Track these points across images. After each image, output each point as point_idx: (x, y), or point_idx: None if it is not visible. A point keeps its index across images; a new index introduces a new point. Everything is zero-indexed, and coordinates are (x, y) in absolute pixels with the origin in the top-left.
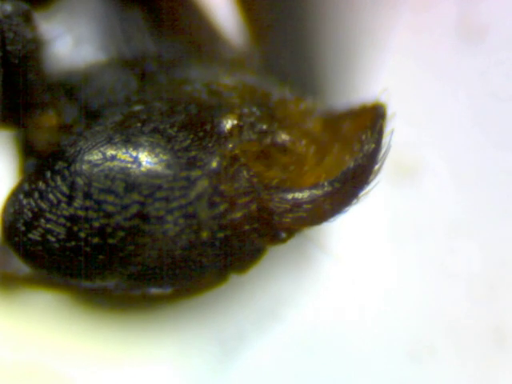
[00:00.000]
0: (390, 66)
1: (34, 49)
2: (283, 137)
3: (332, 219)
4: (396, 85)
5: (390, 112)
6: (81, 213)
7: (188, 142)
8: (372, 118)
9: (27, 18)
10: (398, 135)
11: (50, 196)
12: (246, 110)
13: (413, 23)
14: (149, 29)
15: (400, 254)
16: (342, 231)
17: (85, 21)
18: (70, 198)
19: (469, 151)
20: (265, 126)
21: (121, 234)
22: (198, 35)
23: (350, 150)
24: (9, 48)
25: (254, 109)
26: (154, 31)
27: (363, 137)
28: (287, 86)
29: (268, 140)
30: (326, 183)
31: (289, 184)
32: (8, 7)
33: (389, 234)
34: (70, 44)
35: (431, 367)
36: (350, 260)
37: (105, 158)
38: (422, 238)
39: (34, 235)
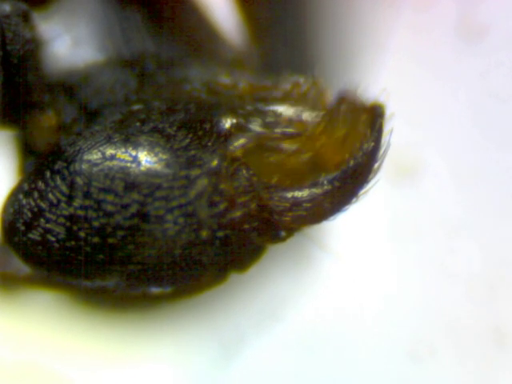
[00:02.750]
0: (389, 66)
1: (33, 49)
2: (286, 127)
3: (332, 218)
4: (396, 85)
5: (389, 111)
6: (80, 212)
7: (187, 141)
8: (371, 117)
9: (26, 18)
10: (397, 135)
11: (50, 196)
12: (245, 109)
13: (413, 23)
14: (148, 28)
15: (400, 253)
16: (342, 230)
17: (84, 21)
18: (70, 198)
19: (469, 151)
20: (266, 121)
21: (120, 233)
22: (197, 34)
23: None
24: (8, 48)
25: (254, 106)
26: (153, 31)
27: (363, 135)
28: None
29: (270, 133)
30: (325, 181)
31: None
32: (7, 7)
33: (389, 234)
34: (69, 44)
35: (431, 367)
36: (350, 259)
37: (104, 158)
38: (422, 238)
39: (34, 235)
